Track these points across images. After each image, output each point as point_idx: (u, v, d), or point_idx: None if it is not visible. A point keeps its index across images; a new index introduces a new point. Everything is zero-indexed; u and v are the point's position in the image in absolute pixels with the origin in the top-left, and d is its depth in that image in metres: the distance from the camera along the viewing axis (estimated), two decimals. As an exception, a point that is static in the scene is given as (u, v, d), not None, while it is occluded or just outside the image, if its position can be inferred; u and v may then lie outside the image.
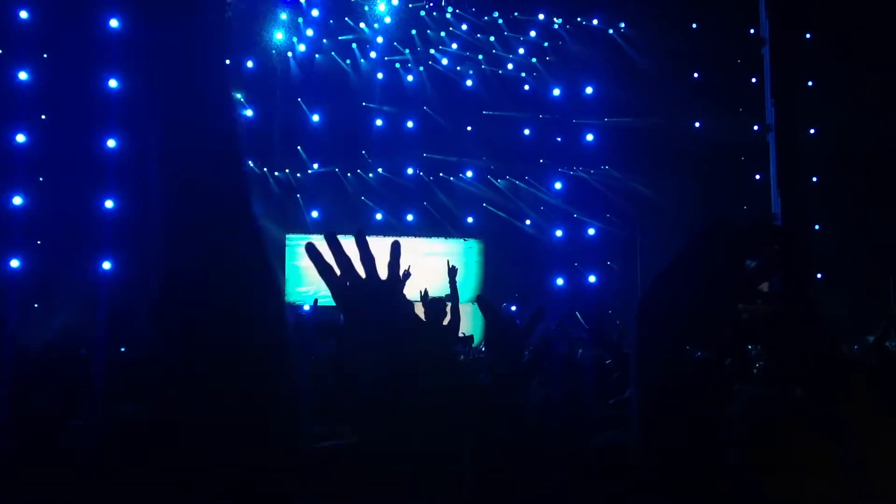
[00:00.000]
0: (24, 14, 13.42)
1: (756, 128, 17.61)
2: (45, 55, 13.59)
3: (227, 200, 1.18)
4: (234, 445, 1.06)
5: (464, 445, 1.58)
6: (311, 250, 1.42)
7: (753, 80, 17.73)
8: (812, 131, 17.37)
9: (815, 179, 16.74)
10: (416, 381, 1.41)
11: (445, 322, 6.35)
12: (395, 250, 1.50)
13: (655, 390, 1.18)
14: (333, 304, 1.45)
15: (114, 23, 13.63)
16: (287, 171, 16.04)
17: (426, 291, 6.81)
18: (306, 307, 15.46)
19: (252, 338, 1.11)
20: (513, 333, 1.95)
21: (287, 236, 16.02)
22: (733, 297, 1.14)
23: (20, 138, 13.25)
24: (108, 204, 13.70)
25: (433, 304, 6.46)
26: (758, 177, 17.31)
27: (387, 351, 1.40)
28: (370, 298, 1.44)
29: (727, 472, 1.16)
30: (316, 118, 15.97)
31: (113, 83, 13.71)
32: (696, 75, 17.67)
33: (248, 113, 15.41)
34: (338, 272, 1.42)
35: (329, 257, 1.43)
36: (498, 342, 1.94)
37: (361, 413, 1.36)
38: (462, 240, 16.87)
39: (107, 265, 13.47)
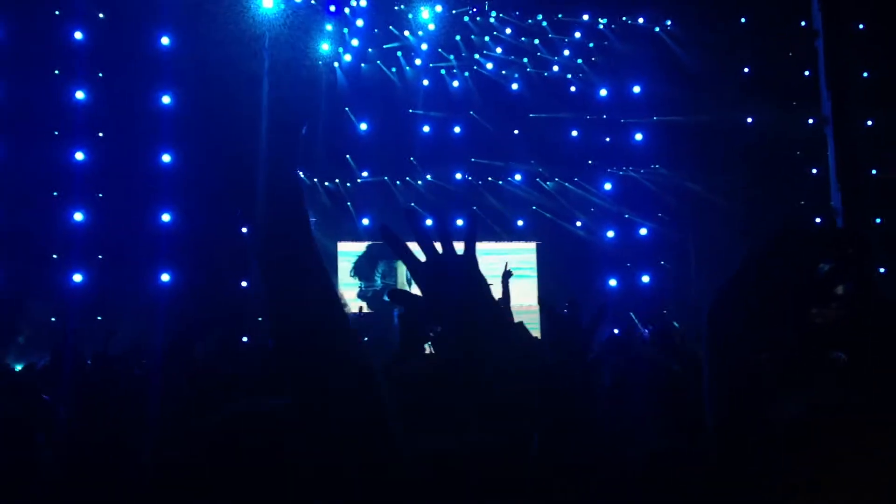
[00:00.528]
0: (78, 35, 13.80)
1: (811, 121, 17.26)
2: (100, 74, 13.96)
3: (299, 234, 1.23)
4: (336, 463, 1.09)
5: (525, 427, 1.58)
6: (387, 232, 1.45)
7: (806, 72, 17.38)
8: (869, 123, 16.97)
9: (874, 172, 16.35)
10: (490, 355, 1.41)
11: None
12: (473, 222, 1.50)
13: (729, 392, 1.17)
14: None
15: (165, 40, 13.94)
16: (337, 181, 16.19)
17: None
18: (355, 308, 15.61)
19: (346, 365, 1.15)
20: (576, 334, 1.94)
21: (338, 244, 16.19)
22: (805, 301, 1.13)
23: (79, 156, 13.62)
24: (165, 217, 14.01)
25: None
26: (814, 171, 16.97)
27: (464, 322, 1.40)
28: (448, 270, 1.45)
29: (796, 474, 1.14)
30: (364, 126, 16.10)
31: (166, 99, 14.02)
32: (746, 70, 17.39)
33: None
34: (416, 251, 1.44)
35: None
36: (561, 343, 1.93)
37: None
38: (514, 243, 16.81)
39: (165, 277, 13.76)
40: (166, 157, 14.11)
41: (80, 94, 13.74)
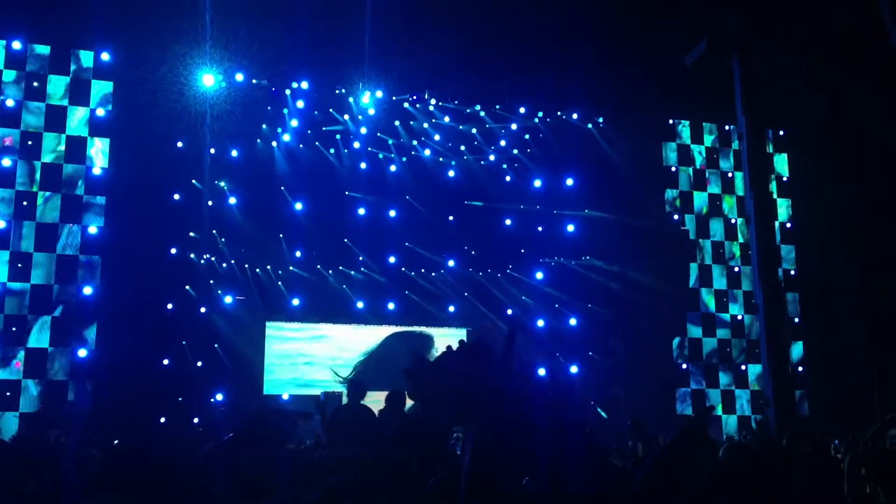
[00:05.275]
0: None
1: (733, 220, 17.98)
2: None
3: None
4: None
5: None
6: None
7: (730, 174, 18.19)
8: (788, 225, 17.83)
9: (793, 272, 17.12)
10: None
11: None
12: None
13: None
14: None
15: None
16: (269, 267, 15.91)
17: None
18: (285, 396, 15.25)
19: None
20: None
21: (267, 323, 15.86)
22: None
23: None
24: (87, 291, 13.60)
25: (392, 396, 6.56)
26: (736, 269, 17.55)
27: None
28: None
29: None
30: (299, 206, 16.01)
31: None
32: (673, 169, 18.08)
33: (232, 201, 15.46)
34: None
35: None
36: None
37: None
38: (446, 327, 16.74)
39: (82, 353, 13.22)
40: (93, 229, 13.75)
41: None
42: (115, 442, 9.31)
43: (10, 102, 14.19)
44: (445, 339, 15.68)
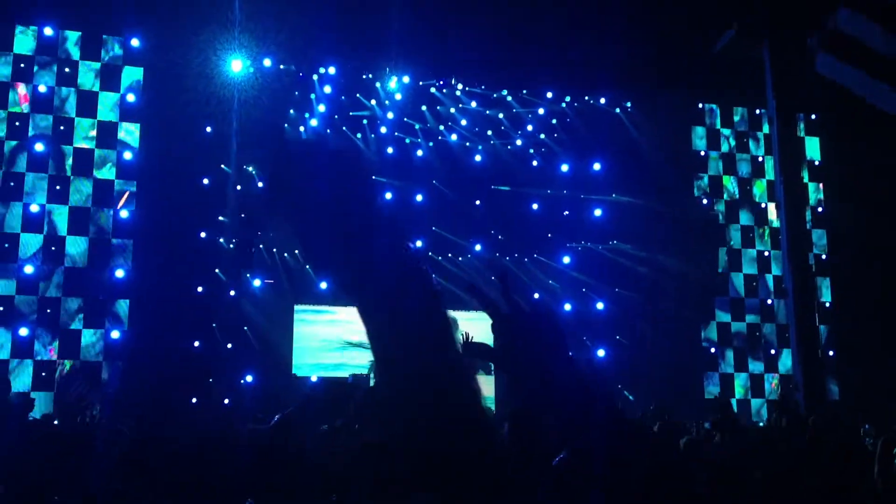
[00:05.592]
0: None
1: (763, 205, 17.81)
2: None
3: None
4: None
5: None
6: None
7: (760, 158, 18.01)
8: (820, 210, 17.62)
9: (824, 257, 16.92)
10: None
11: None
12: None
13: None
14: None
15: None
16: (297, 251, 16.02)
17: None
18: (314, 377, 15.38)
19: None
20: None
21: (295, 307, 16.01)
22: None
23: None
24: (119, 273, 13.82)
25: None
26: (766, 253, 17.40)
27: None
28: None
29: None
30: (326, 191, 16.08)
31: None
32: (702, 154, 17.93)
33: (260, 185, 15.60)
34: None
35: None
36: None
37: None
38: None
39: (115, 334, 13.49)
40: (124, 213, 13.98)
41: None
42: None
43: (42, 88, 14.42)
44: (471, 323, 15.60)
